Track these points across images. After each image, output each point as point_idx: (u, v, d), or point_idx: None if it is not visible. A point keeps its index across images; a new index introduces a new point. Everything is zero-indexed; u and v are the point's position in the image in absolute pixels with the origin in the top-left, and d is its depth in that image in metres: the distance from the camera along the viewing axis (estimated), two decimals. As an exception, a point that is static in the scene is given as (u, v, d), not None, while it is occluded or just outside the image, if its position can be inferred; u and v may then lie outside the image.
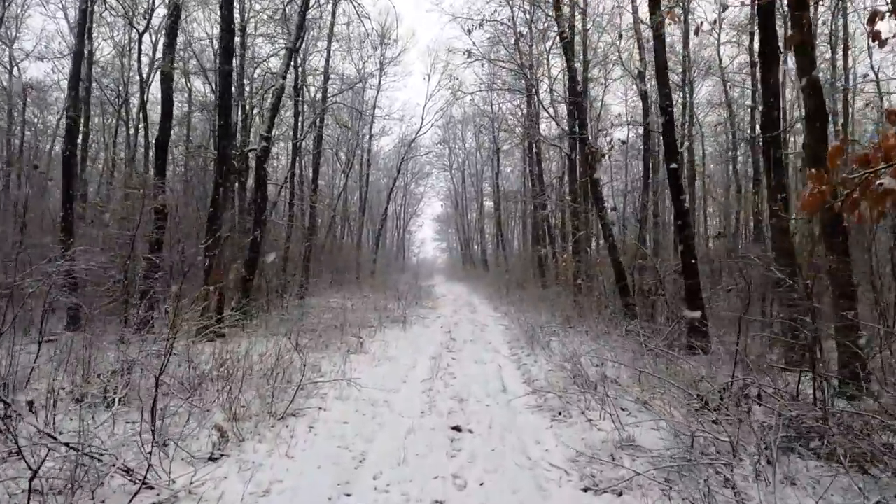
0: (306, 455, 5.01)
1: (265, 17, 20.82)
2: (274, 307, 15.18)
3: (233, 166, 14.73)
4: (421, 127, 34.23)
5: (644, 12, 15.63)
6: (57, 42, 24.12)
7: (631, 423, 5.77)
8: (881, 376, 5.92)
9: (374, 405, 6.81)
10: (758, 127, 22.15)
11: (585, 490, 4.39)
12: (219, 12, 13.11)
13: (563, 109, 23.09)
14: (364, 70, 28.82)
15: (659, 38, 10.33)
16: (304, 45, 21.53)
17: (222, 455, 4.83)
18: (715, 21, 17.06)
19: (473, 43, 20.45)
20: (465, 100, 31.26)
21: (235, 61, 22.04)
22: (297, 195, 24.23)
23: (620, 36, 16.26)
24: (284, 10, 18.40)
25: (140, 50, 21.36)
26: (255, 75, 22.58)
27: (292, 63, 21.27)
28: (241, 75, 21.36)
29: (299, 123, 23.90)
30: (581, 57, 19.43)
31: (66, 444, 3.87)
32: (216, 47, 21.83)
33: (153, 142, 22.03)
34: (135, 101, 23.87)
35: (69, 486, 3.78)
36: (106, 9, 18.66)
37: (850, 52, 19.70)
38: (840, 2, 17.96)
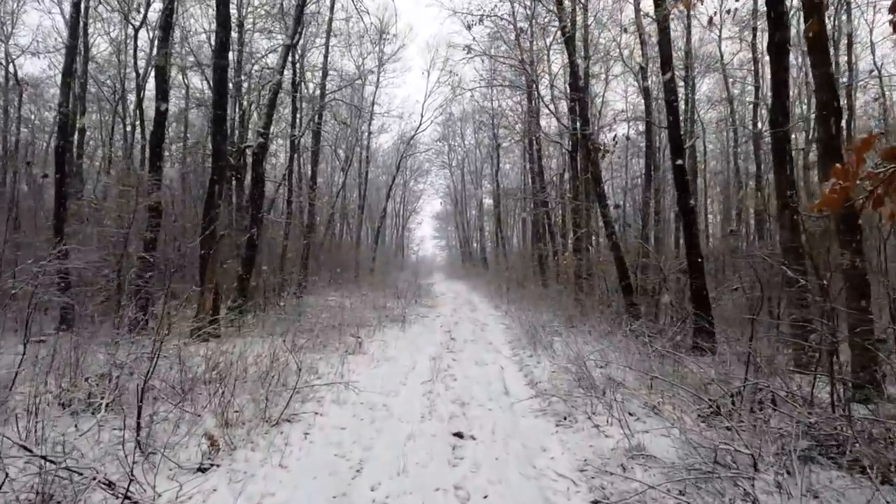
0: (301, 464, 4.77)
1: (262, 12, 20.58)
2: (271, 306, 14.95)
3: (229, 163, 14.48)
4: (420, 124, 34.02)
5: (646, 5, 15.41)
6: (53, 38, 23.77)
7: (640, 429, 5.54)
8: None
9: (372, 409, 6.58)
10: (759, 123, 22.08)
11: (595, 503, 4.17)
12: (215, 7, 12.86)
13: (563, 106, 22.88)
14: (363, 67, 28.59)
15: (664, 30, 10.09)
16: (302, 40, 21.29)
17: (212, 465, 4.59)
18: (716, 12, 16.74)
19: (473, 38, 20.19)
20: (464, 97, 31.05)
21: (232, 57, 21.78)
22: (295, 193, 24.00)
23: (625, 30, 16.05)
24: (282, 4, 18.15)
25: (136, 46, 21.07)
26: (253, 72, 22.35)
27: (290, 59, 21.05)
28: (239, 71, 21.11)
29: (297, 120, 23.65)
30: (582, 53, 19.18)
31: (43, 457, 3.63)
32: (213, 43, 21.60)
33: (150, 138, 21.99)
34: (132, 97, 23.60)
35: (43, 502, 3.54)
36: (101, 3, 18.37)
37: (853, 49, 19.47)
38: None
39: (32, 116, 26.90)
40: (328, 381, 7.25)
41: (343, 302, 17.20)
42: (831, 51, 18.98)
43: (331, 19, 23.13)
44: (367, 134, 32.19)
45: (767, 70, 21.61)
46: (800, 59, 22.07)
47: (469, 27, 20.44)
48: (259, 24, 21.16)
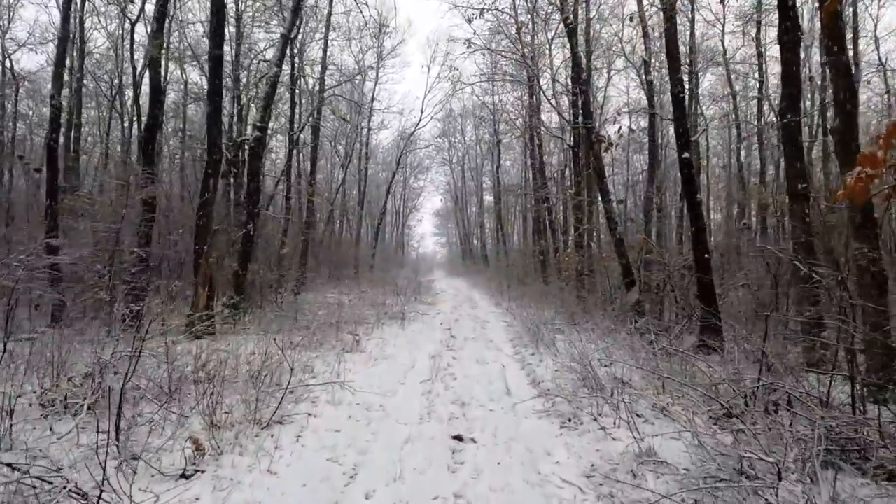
0: (291, 470, 4.50)
1: (260, 4, 20.30)
2: (268, 303, 14.69)
3: (224, 156, 14.20)
4: (420, 119, 33.64)
5: (649, -1, 15.12)
6: (50, 33, 23.46)
7: (649, 432, 5.27)
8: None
9: (368, 410, 6.31)
10: (764, 119, 21.79)
11: (604, 512, 3.90)
12: (210, -3, 12.58)
13: (565, 101, 22.60)
14: (363, 62, 28.30)
15: (671, 19, 9.80)
16: (300, 34, 21.00)
17: (196, 471, 4.32)
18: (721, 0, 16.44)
19: (474, 32, 19.83)
20: (465, 92, 30.76)
21: (230, 50, 21.56)
22: (294, 188, 23.73)
23: (630, 19, 15.67)
24: (280, -5, 17.86)
25: (132, 40, 20.76)
26: (252, 66, 22.08)
27: (289, 53, 20.76)
28: (237, 65, 20.86)
29: (296, 116, 23.37)
30: (584, 47, 18.89)
31: (8, 465, 3.36)
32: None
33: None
34: (129, 93, 23.31)
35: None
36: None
37: (858, 44, 19.14)
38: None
39: (30, 112, 26.65)
40: (323, 381, 6.97)
41: (342, 299, 16.95)
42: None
43: (330, 13, 22.85)
44: (366, 130, 31.92)
45: (771, 65, 21.54)
46: (802, 55, 21.79)
47: (470, 21, 20.06)
48: (258, 18, 20.89)
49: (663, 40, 19.82)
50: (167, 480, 4.15)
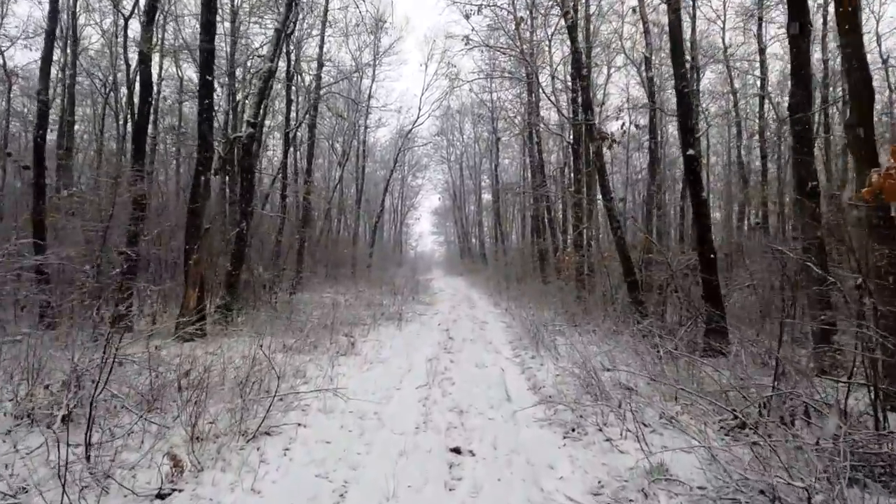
0: (277, 488, 4.20)
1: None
2: (262, 304, 14.38)
3: (217, 153, 13.88)
4: (418, 117, 33.33)
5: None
6: (40, 27, 23.07)
7: (658, 443, 4.98)
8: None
9: (362, 418, 6.01)
10: (765, 116, 21.49)
11: (614, 536, 3.61)
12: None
13: (564, 99, 22.32)
14: (360, 59, 27.96)
15: (675, 11, 9.49)
16: (297, 30, 20.63)
17: (174, 490, 4.01)
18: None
19: (473, 28, 19.53)
20: (463, 90, 30.45)
21: (225, 47, 21.24)
22: (290, 187, 23.41)
23: (635, 10, 15.34)
24: (274, -10, 17.53)
25: (126, 36, 20.42)
26: (248, 63, 21.76)
27: (285, 49, 20.42)
28: (232, 62, 20.53)
29: (293, 113, 23.04)
30: (584, 44, 18.58)
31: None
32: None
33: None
34: (124, 90, 22.96)
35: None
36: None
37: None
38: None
39: (25, 109, 26.27)
40: (314, 388, 6.68)
41: (338, 299, 16.65)
42: (833, 44, 18.43)
43: (326, 9, 22.49)
44: (363, 128, 31.60)
45: (771, 63, 21.25)
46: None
47: (468, 17, 19.70)
48: (253, 13, 20.55)
49: (664, 37, 19.73)
50: (141, 501, 3.85)
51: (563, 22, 19.55)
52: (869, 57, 17.32)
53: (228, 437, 4.98)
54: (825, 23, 18.01)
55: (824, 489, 3.59)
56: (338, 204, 31.60)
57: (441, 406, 6.54)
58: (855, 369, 5.59)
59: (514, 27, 20.55)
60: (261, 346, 6.25)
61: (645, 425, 5.41)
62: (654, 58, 18.92)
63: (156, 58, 22.10)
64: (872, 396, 4.78)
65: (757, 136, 22.70)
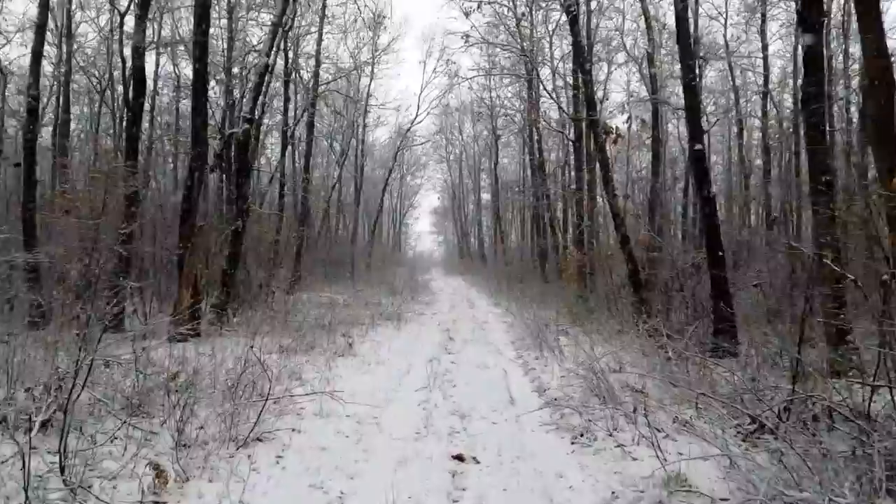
0: (267, 500, 3.91)
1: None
2: (259, 303, 14.09)
3: (213, 150, 13.63)
4: (417, 115, 32.87)
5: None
6: (30, 21, 22.67)
7: (672, 450, 4.70)
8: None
9: (360, 423, 5.72)
10: (771, 113, 21.23)
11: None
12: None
13: (565, 96, 22.08)
14: (358, 58, 27.63)
15: (683, 1, 9.22)
16: (293, 26, 20.31)
17: (156, 503, 3.73)
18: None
19: (473, 25, 19.22)
20: (462, 88, 30.08)
21: (222, 43, 20.96)
22: (288, 185, 23.14)
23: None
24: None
25: (122, 32, 20.10)
26: (246, 61, 21.46)
27: (283, 47, 20.13)
28: (230, 58, 20.23)
29: (292, 111, 22.77)
30: (585, 40, 18.31)
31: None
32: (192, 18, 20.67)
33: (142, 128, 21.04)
34: (121, 88, 22.63)
35: None
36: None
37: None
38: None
39: (21, 108, 25.89)
40: (310, 391, 6.38)
41: (336, 298, 16.37)
42: (841, 38, 18.15)
43: (324, 5, 22.18)
44: (362, 127, 31.28)
45: (773, 60, 20.97)
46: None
47: (468, 14, 19.46)
48: (251, 9, 20.24)
49: (665, 35, 19.46)
50: (120, 515, 3.57)
51: (563, 18, 19.37)
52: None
53: (217, 444, 4.70)
54: (846, 14, 17.53)
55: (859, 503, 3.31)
56: (337, 203, 31.31)
57: (442, 410, 6.26)
58: (877, 371, 5.33)
59: (514, 24, 20.36)
60: (251, 347, 5.92)
61: (658, 430, 5.12)
62: (655, 55, 18.65)
63: (152, 55, 21.85)
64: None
65: (759, 134, 22.48)
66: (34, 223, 11.47)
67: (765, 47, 20.39)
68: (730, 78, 21.64)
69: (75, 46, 21.85)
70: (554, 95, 20.63)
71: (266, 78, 17.64)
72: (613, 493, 4.07)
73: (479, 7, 19.06)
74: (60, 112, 21.76)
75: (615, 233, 14.03)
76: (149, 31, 19.46)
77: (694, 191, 21.99)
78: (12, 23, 20.83)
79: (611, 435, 5.20)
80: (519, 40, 19.91)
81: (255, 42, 21.14)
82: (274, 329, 10.76)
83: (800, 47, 19.96)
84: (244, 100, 17.96)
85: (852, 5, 17.37)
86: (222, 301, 11.94)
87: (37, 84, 12.03)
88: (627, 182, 28.37)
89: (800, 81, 20.01)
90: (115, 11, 20.06)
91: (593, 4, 18.97)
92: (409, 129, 33.33)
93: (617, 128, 12.43)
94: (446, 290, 26.83)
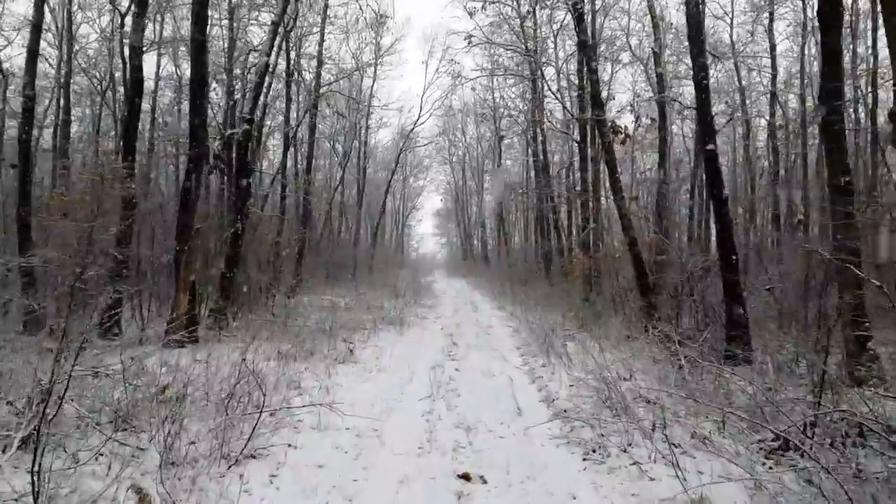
0: (258, 526, 3.65)
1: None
2: (259, 307, 13.83)
3: (212, 151, 13.37)
4: (419, 116, 32.56)
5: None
6: (43, 31, 22.44)
7: (691, 468, 4.42)
8: None
9: (359, 437, 5.45)
10: (778, 114, 20.90)
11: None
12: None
13: (569, 97, 21.80)
14: (360, 58, 27.39)
15: (694, -5, 8.94)
16: (295, 26, 20.09)
17: (137, 531, 3.47)
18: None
19: (477, 25, 18.93)
20: (465, 88, 29.81)
21: (223, 43, 20.73)
22: (290, 187, 22.89)
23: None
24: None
25: (122, 33, 19.87)
26: (247, 61, 21.23)
27: (284, 47, 19.91)
28: (231, 60, 20.00)
29: (294, 112, 22.53)
30: (590, 40, 18.03)
31: None
32: (209, 31, 20.49)
33: (140, 129, 20.79)
34: (122, 89, 22.39)
35: None
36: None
37: (877, 33, 18.22)
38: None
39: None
40: (308, 402, 6.09)
41: (337, 302, 16.10)
42: (849, 38, 17.81)
43: (326, 5, 21.94)
44: (364, 129, 31.04)
45: (780, 60, 20.63)
46: (813, 49, 20.96)
47: (471, 14, 19.21)
48: (253, 8, 20.00)
49: (669, 36, 19.16)
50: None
51: (568, 18, 19.12)
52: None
53: (208, 462, 4.42)
54: (855, 14, 17.21)
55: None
56: (339, 205, 31.06)
57: (446, 422, 5.98)
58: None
59: (518, 24, 20.10)
60: (244, 360, 5.63)
61: (675, 445, 4.84)
62: (662, 54, 18.35)
63: (153, 56, 21.66)
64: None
65: (765, 135, 22.15)
66: (29, 226, 11.24)
67: (772, 47, 20.08)
68: (736, 79, 21.29)
69: (76, 48, 21.69)
70: (559, 96, 20.35)
71: (266, 78, 17.42)
72: (631, 517, 3.79)
73: (483, 7, 18.78)
74: (61, 114, 21.59)
75: (621, 235, 13.76)
76: (149, 32, 19.29)
77: (699, 192, 21.80)
78: (13, 24, 20.61)
79: (625, 451, 4.92)
80: (523, 40, 19.66)
81: (256, 42, 20.92)
82: (273, 334, 10.50)
83: (805, 47, 19.98)
84: (244, 100, 17.75)
85: (860, 4, 17.16)
86: (221, 305, 11.69)
87: (32, 83, 11.80)
88: (632, 184, 28.13)
89: (807, 81, 19.88)
90: (116, 12, 19.84)
91: (598, 4, 18.72)
92: (411, 131, 33.09)
93: (625, 127, 12.09)
94: (449, 292, 26.53)
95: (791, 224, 16.96)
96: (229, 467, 4.39)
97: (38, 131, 27.38)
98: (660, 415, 5.29)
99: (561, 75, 21.69)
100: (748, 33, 20.56)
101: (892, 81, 6.89)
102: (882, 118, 17.62)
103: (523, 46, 19.54)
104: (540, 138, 24.08)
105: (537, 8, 19.81)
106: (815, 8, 7.89)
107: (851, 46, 17.82)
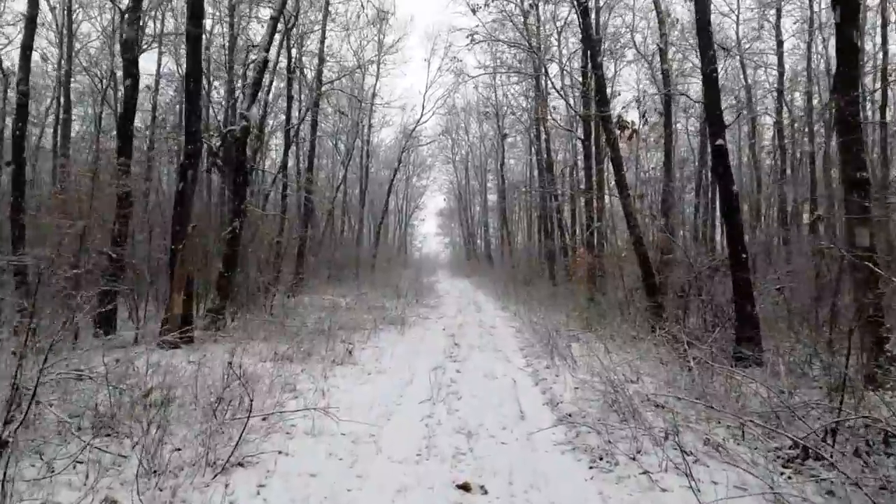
0: (242, 542, 3.40)
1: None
2: (257, 307, 13.60)
3: (209, 148, 13.15)
4: (422, 115, 32.28)
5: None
6: (43, 30, 22.29)
7: (705, 478, 4.16)
8: None
9: (355, 443, 5.19)
10: (786, 112, 20.58)
11: None
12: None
13: (572, 95, 21.53)
14: (362, 56, 27.15)
15: (704, -14, 8.67)
16: (296, 23, 19.87)
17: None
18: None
19: (480, 22, 18.65)
20: (468, 87, 29.58)
21: (225, 43, 20.54)
22: (290, 186, 22.68)
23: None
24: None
25: (122, 30, 19.64)
26: (248, 59, 21.03)
27: (286, 45, 19.71)
28: (231, 58, 19.82)
29: (296, 110, 22.32)
30: (595, 34, 17.76)
31: None
32: (211, 28, 20.36)
33: (141, 126, 20.61)
34: (123, 88, 22.17)
35: None
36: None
37: (886, 29, 17.89)
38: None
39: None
40: (303, 406, 5.86)
41: (338, 302, 15.88)
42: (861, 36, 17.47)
43: (327, 1, 21.70)
44: (367, 127, 30.79)
45: (786, 58, 20.30)
46: (819, 46, 20.66)
47: (474, 11, 18.95)
48: (252, 2, 19.78)
49: (674, 33, 18.88)
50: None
51: (572, 16, 18.86)
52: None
53: (193, 470, 4.18)
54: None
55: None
56: (342, 204, 30.85)
57: (446, 427, 5.72)
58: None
59: (521, 21, 19.83)
60: (229, 363, 5.37)
61: (687, 453, 4.57)
62: (667, 50, 18.07)
63: (154, 55, 21.47)
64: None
65: (770, 133, 21.86)
66: (23, 224, 11.04)
67: (779, 43, 19.76)
68: (742, 76, 20.97)
69: (78, 46, 21.55)
70: (562, 93, 20.07)
71: (267, 75, 17.21)
72: (642, 533, 3.53)
73: (486, 4, 18.51)
74: (61, 112, 21.45)
75: (626, 234, 13.49)
76: (150, 30, 19.12)
77: (705, 191, 21.52)
78: (13, 21, 20.43)
79: (634, 459, 4.65)
80: (526, 36, 19.40)
81: (257, 40, 20.73)
82: (271, 335, 10.28)
83: (812, 44, 19.70)
84: (242, 95, 17.51)
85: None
86: (219, 305, 11.45)
87: (27, 79, 11.60)
88: (636, 183, 27.84)
89: (814, 79, 19.59)
90: (116, 9, 19.64)
91: (601, 1, 18.44)
92: (414, 129, 32.84)
93: (633, 122, 11.81)
94: (452, 292, 26.27)
95: (798, 223, 16.63)
96: (214, 476, 4.13)
97: (39, 130, 27.34)
98: (671, 420, 5.03)
99: (565, 73, 21.41)
100: (754, 30, 20.28)
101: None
102: (890, 114, 17.34)
103: (526, 43, 19.28)
104: (543, 136, 23.83)
105: (541, 4, 19.56)
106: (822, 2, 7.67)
107: (858, 43, 17.47)
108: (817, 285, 9.60)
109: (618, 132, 11.57)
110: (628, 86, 27.76)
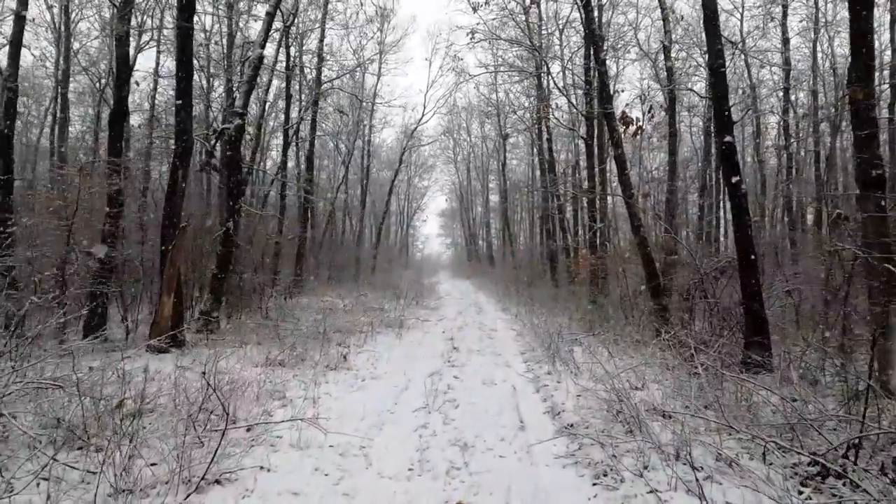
0: (210, 573, 3.10)
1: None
2: (253, 309, 13.31)
3: (203, 147, 12.87)
4: (423, 115, 31.97)
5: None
6: (43, 30, 22.08)
7: (720, 499, 3.85)
8: None
9: (343, 455, 4.89)
10: (792, 111, 20.25)
11: None
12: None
13: (574, 94, 21.24)
14: (362, 55, 26.85)
15: (711, -22, 8.34)
16: (295, 22, 19.57)
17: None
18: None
19: (481, 19, 18.34)
20: (469, 88, 29.31)
21: (223, 40, 20.26)
22: (290, 186, 22.39)
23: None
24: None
25: (113, 25, 19.36)
26: (244, 58, 20.76)
27: (284, 43, 19.42)
28: (229, 54, 19.54)
29: (296, 110, 22.04)
30: (598, 31, 17.44)
31: None
32: (209, 27, 20.10)
33: (141, 126, 20.33)
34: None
35: None
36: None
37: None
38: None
39: (24, 111, 25.40)
40: (290, 417, 5.55)
41: (336, 303, 15.59)
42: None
43: (326, 0, 21.41)
44: (368, 127, 30.50)
45: (791, 55, 19.95)
46: (825, 44, 20.37)
47: (475, 9, 18.63)
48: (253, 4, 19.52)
49: (680, 29, 18.55)
50: None
51: (574, 14, 18.55)
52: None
53: (166, 489, 3.88)
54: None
55: None
56: (342, 205, 30.57)
57: (441, 438, 5.41)
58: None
59: (523, 18, 19.52)
60: (204, 373, 5.05)
61: (697, 468, 4.26)
62: (671, 48, 17.75)
63: (152, 53, 21.19)
64: None
65: (774, 132, 21.54)
66: (7, 223, 10.74)
67: (786, 41, 19.43)
68: (746, 75, 20.64)
69: (77, 46, 21.32)
70: (565, 91, 19.76)
71: (264, 74, 16.95)
72: (651, 562, 3.23)
73: (486, 2, 18.18)
74: (59, 112, 21.23)
75: (629, 235, 13.17)
76: (148, 28, 18.82)
77: (709, 191, 21.21)
78: (9, 25, 20.19)
79: (641, 475, 4.34)
80: (528, 34, 19.09)
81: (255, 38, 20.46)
82: (264, 338, 9.99)
83: (818, 43, 19.39)
84: (237, 93, 17.23)
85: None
86: (212, 307, 11.17)
87: (16, 75, 11.31)
88: (640, 183, 27.50)
89: (817, 77, 19.26)
90: (114, 8, 19.35)
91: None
92: (415, 129, 32.51)
93: (637, 118, 11.48)
94: (453, 293, 25.96)
95: (804, 224, 16.29)
96: (188, 496, 3.83)
97: (37, 130, 27.15)
98: (679, 433, 4.71)
99: (567, 71, 21.12)
100: (759, 28, 19.96)
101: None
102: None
103: (528, 41, 18.97)
104: (545, 136, 23.51)
105: (542, 1, 19.26)
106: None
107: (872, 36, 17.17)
108: (828, 287, 9.26)
109: (622, 129, 11.22)
110: (631, 84, 27.35)
